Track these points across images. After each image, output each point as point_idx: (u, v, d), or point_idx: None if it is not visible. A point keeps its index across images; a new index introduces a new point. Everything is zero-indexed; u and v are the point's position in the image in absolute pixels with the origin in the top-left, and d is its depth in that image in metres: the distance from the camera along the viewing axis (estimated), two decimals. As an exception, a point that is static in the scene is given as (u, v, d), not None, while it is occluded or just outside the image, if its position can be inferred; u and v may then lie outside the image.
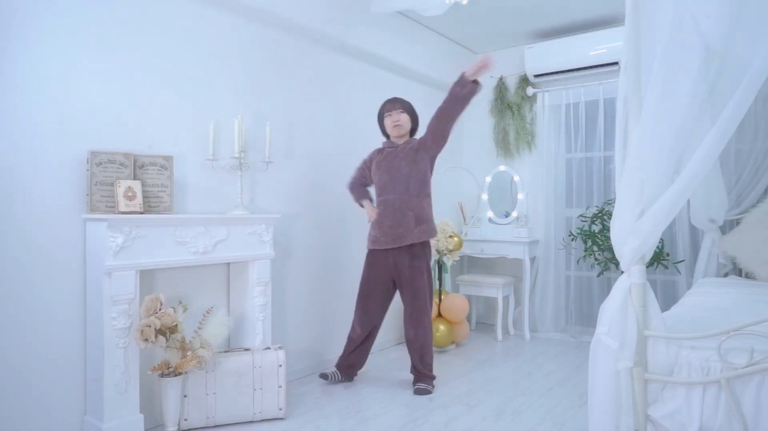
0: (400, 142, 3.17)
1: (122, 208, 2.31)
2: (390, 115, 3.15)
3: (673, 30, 1.67)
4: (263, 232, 2.88)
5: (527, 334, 4.43)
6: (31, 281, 2.18)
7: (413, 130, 3.24)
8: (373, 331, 3.21)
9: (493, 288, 4.42)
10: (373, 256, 3.17)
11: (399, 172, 3.06)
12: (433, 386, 3.10)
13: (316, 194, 3.53)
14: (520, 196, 4.74)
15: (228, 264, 2.94)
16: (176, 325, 2.35)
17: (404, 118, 3.14)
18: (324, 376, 3.19)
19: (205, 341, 2.43)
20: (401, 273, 3.07)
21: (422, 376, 3.10)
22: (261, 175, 3.12)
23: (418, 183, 3.05)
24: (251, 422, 2.60)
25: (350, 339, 3.22)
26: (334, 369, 3.25)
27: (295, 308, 3.38)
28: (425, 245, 3.12)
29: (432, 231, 3.10)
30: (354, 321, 3.22)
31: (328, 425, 2.60)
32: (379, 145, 3.28)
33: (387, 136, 3.24)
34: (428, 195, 3.12)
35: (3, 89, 2.11)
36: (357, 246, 3.79)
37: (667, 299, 3.89)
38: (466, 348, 4.12)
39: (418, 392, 3.03)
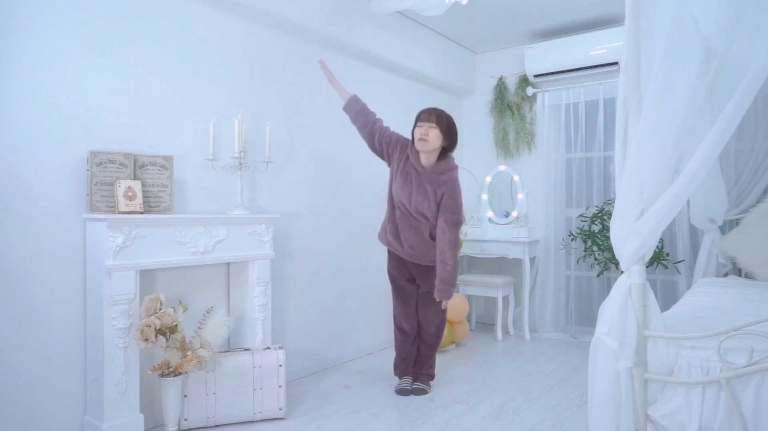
0: (426, 161, 2.85)
1: (122, 208, 2.31)
2: (421, 126, 2.81)
3: (673, 30, 1.67)
4: (263, 232, 2.88)
5: (527, 334, 4.43)
6: (31, 281, 2.18)
7: (446, 149, 2.90)
8: (414, 322, 3.09)
9: (493, 288, 4.42)
10: (392, 252, 3.08)
11: (426, 200, 2.83)
12: (430, 386, 3.10)
13: (315, 194, 3.53)
14: (520, 196, 4.74)
15: (228, 264, 2.94)
16: (176, 325, 2.35)
17: (433, 135, 2.78)
18: (404, 392, 3.02)
19: (205, 341, 2.43)
20: (419, 273, 3.02)
21: (422, 375, 3.09)
22: (261, 175, 3.12)
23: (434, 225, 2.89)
24: (251, 422, 2.60)
25: (400, 340, 3.09)
26: (405, 379, 3.10)
27: (295, 308, 3.38)
28: None
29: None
30: (397, 318, 3.10)
31: (328, 425, 2.60)
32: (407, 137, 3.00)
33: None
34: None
35: (3, 89, 2.11)
36: (357, 246, 3.79)
37: (667, 299, 3.90)
38: (466, 348, 4.12)
39: (416, 392, 3.02)
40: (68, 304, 2.30)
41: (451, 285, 2.83)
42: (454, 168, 2.91)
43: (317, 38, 3.47)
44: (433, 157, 2.86)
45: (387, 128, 3.02)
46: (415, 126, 2.87)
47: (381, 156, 3.02)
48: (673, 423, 1.68)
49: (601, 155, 4.35)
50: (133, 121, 2.53)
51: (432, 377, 3.13)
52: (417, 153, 2.87)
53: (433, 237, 2.90)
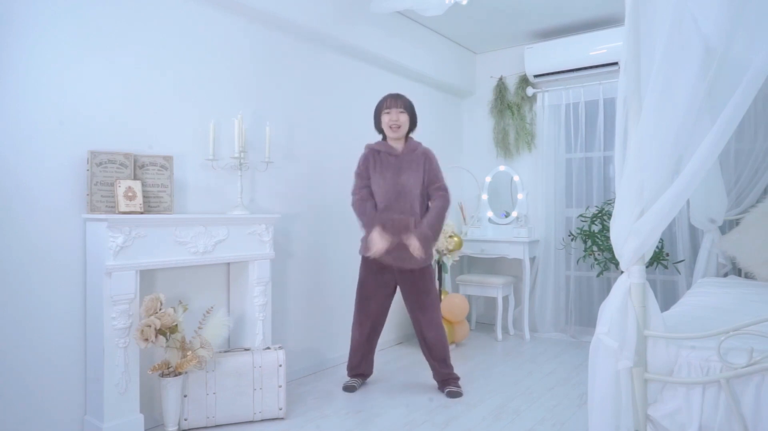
0: (397, 145, 3.00)
1: (122, 208, 2.32)
2: (389, 112, 2.96)
3: (673, 30, 1.67)
4: (263, 232, 2.88)
5: (527, 334, 4.43)
6: (31, 281, 2.18)
7: (410, 130, 3.07)
8: (374, 333, 3.11)
9: (493, 288, 4.42)
10: (372, 261, 3.00)
11: (406, 187, 2.92)
12: (460, 386, 3.05)
13: (315, 194, 3.53)
14: (520, 196, 4.74)
15: (228, 264, 2.94)
16: (176, 325, 2.35)
17: (404, 119, 2.96)
18: (351, 388, 3.07)
19: (205, 341, 2.43)
20: (405, 280, 3.00)
21: (449, 378, 3.04)
22: (261, 175, 3.12)
23: (424, 204, 2.98)
24: (251, 422, 2.60)
25: (354, 349, 3.12)
26: (352, 378, 3.13)
27: (295, 308, 3.38)
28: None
29: (432, 257, 3.02)
30: (353, 329, 3.11)
31: (328, 425, 2.60)
32: (369, 141, 3.11)
33: (380, 130, 3.07)
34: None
35: (3, 89, 2.11)
36: (357, 246, 3.78)
37: (667, 299, 3.90)
38: (466, 348, 4.12)
39: (451, 395, 2.95)
40: (68, 304, 2.30)
41: (426, 241, 2.85)
42: (421, 143, 3.08)
43: (317, 38, 3.47)
44: (403, 140, 3.05)
45: (360, 180, 3.04)
46: (381, 113, 3.01)
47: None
48: (673, 423, 1.68)
49: (601, 155, 4.35)
50: (133, 121, 2.53)
51: (458, 377, 3.08)
52: (386, 144, 3.02)
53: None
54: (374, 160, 3.01)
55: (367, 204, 2.98)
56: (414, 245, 2.83)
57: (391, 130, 2.97)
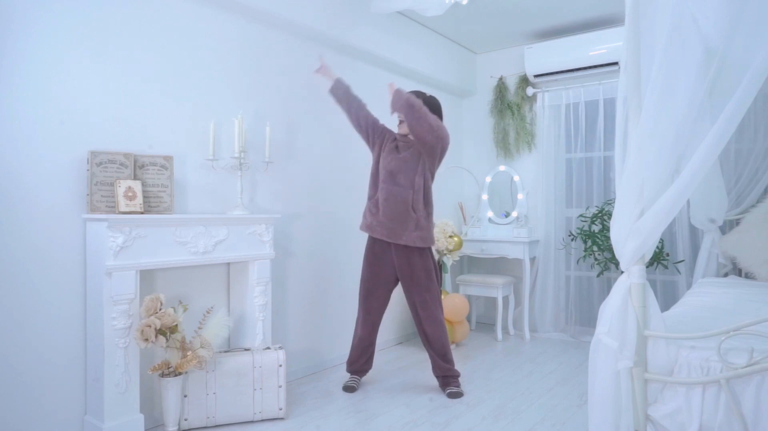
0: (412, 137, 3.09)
1: (122, 208, 2.32)
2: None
3: (673, 30, 1.67)
4: (263, 232, 2.88)
5: (527, 334, 4.43)
6: (31, 281, 2.18)
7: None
8: (374, 330, 3.14)
9: (493, 288, 4.42)
10: (372, 250, 3.09)
11: (406, 162, 3.00)
12: (460, 384, 3.06)
13: (315, 194, 3.53)
14: (520, 196, 4.74)
15: (228, 264, 2.94)
16: (176, 325, 2.35)
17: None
18: (351, 388, 3.08)
19: (205, 341, 2.43)
20: (404, 273, 3.02)
21: (449, 377, 3.05)
22: (261, 175, 3.12)
23: (421, 191, 3.01)
24: (251, 422, 2.60)
25: (355, 344, 3.15)
26: (352, 376, 3.16)
27: (295, 308, 3.38)
28: (424, 248, 3.05)
29: (430, 240, 3.02)
30: (357, 324, 3.16)
31: (328, 425, 2.60)
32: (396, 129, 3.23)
33: None
34: (430, 214, 3.05)
35: (3, 89, 2.11)
36: (357, 246, 3.78)
37: (667, 299, 3.90)
38: (466, 348, 4.12)
39: (453, 395, 2.96)
40: (68, 304, 2.30)
41: (405, 98, 2.94)
42: None
43: (318, 38, 3.47)
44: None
45: (376, 117, 3.27)
46: None
47: (366, 136, 3.24)
48: (673, 423, 1.68)
49: (601, 155, 4.35)
50: (134, 121, 2.53)
51: (458, 374, 3.09)
52: (402, 136, 3.13)
53: (414, 209, 2.97)
54: (390, 138, 3.16)
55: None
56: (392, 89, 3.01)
57: (398, 125, 3.16)
